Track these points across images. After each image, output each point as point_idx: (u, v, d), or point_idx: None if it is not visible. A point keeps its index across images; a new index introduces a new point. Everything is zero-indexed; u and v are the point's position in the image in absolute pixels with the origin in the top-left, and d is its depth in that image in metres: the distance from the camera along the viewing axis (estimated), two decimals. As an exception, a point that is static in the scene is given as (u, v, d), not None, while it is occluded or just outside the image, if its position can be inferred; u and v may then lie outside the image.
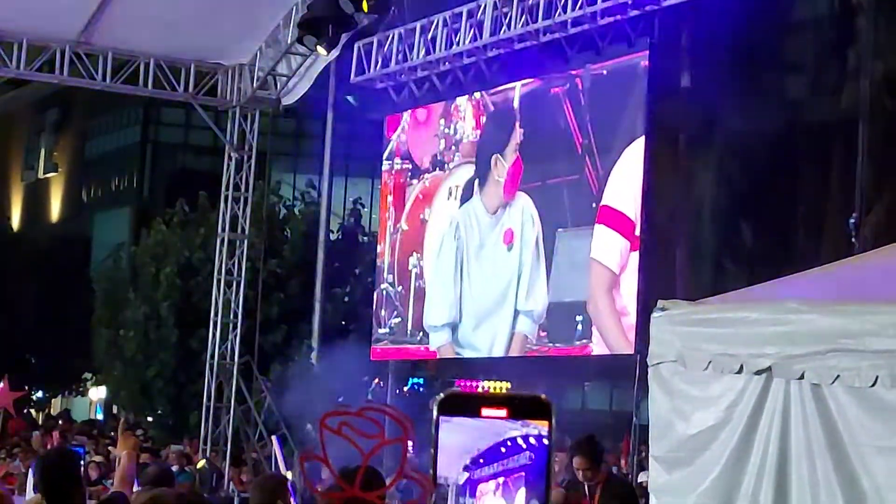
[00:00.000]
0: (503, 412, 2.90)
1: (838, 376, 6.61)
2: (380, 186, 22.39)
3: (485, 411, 2.92)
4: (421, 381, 25.37)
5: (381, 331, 21.16)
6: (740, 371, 7.23)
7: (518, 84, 18.75)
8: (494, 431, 2.90)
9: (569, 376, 34.20)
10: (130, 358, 30.71)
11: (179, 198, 32.51)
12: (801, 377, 6.86)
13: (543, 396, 2.91)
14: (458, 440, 2.89)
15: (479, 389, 20.70)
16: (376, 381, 24.05)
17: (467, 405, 2.96)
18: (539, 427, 2.86)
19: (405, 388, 25.09)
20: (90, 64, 20.43)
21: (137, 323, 30.58)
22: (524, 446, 2.88)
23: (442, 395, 2.96)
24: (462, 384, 21.23)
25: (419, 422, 3.19)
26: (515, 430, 2.88)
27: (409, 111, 20.92)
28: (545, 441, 2.89)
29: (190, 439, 24.37)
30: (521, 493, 2.98)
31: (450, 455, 2.92)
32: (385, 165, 21.57)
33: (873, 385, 6.45)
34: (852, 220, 17.47)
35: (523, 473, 2.93)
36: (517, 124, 18.72)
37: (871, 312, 6.51)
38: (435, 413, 2.93)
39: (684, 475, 7.62)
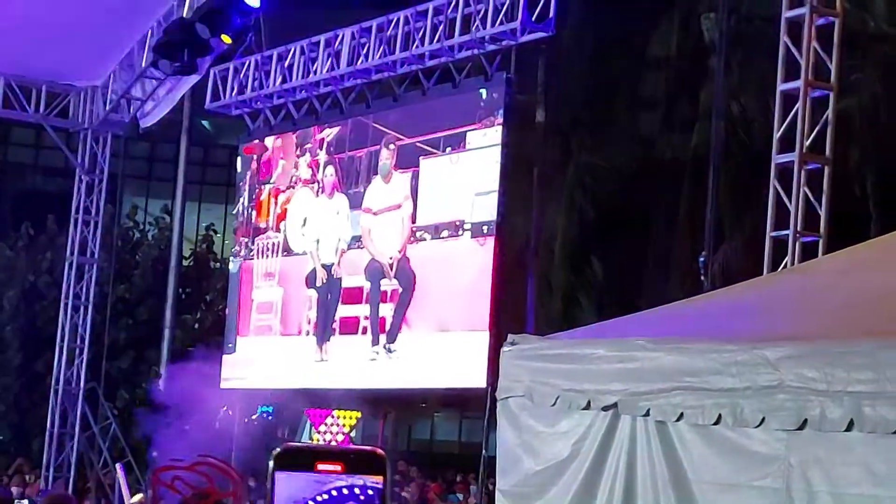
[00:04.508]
0: (339, 466, 2.85)
1: (682, 414, 6.64)
2: (233, 212, 22.08)
3: (320, 465, 2.87)
4: (270, 409, 25.15)
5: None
6: (588, 407, 7.24)
7: (372, 115, 18.64)
8: (330, 485, 2.84)
9: (419, 406, 34.23)
10: (-29, 382, 30.09)
11: (25, 220, 32.01)
12: (647, 414, 6.88)
13: (379, 451, 2.88)
14: (293, 494, 2.84)
15: (328, 419, 20.56)
16: (224, 408, 23.80)
17: (303, 460, 2.90)
18: (374, 481, 2.82)
19: (253, 417, 24.86)
20: (-64, 81, 20.07)
21: (-21, 346, 30.00)
22: (360, 496, 2.83)
23: (278, 449, 2.91)
24: (312, 413, 21.06)
25: (264, 454, 3.13)
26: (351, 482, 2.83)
27: (265, 139, 20.67)
28: (380, 494, 2.85)
29: (31, 468, 23.87)
30: None
31: None
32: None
33: (716, 423, 6.49)
34: (701, 259, 17.66)
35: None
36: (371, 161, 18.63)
37: (714, 351, 6.55)
38: (271, 467, 2.88)
39: (530, 510, 7.61)
